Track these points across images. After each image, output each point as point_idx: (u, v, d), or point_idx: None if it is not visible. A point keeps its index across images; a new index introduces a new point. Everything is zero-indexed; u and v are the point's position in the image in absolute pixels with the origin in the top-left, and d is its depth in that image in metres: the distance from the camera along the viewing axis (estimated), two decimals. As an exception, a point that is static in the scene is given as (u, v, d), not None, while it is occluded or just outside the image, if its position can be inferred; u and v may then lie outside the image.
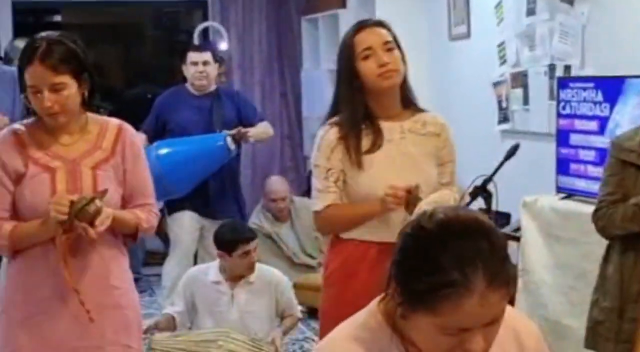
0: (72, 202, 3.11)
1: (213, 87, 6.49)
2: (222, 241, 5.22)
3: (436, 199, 3.36)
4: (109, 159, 3.33)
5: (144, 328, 4.90)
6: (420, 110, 3.67)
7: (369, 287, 3.49)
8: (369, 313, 1.97)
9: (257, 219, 7.41)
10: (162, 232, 8.31)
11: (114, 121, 3.43)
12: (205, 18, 9.09)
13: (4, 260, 3.48)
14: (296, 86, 9.03)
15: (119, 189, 3.34)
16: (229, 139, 6.14)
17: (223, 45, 8.53)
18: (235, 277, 5.22)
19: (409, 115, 3.63)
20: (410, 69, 7.46)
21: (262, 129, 6.49)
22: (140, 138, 6.27)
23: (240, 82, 8.87)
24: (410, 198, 3.39)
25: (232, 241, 5.15)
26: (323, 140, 3.59)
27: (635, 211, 3.61)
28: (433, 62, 7.32)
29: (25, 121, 3.37)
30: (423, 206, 3.26)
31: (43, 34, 3.28)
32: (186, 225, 6.37)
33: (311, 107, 8.46)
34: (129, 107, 6.78)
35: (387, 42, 3.53)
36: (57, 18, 10.87)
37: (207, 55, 6.47)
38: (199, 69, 6.38)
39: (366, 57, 3.51)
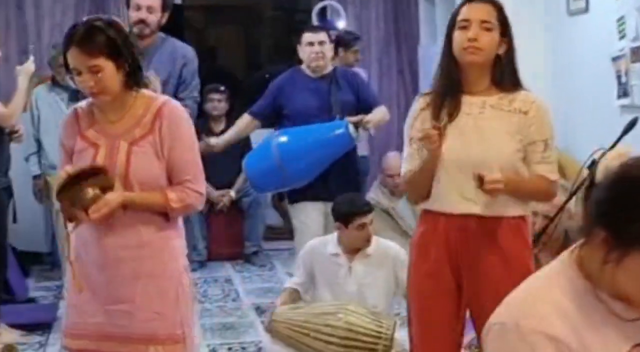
0: (69, 175, 3.31)
1: (329, 69, 6.36)
2: (339, 213, 5.31)
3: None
4: (146, 135, 3.44)
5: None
6: (517, 90, 3.68)
7: (438, 260, 3.66)
8: (564, 264, 2.01)
9: (374, 195, 7.46)
10: (280, 209, 8.48)
11: (161, 98, 3.56)
12: (323, -3, 9.14)
13: None
14: (413, 63, 9.05)
15: (160, 165, 3.44)
16: (351, 127, 6.00)
17: (341, 24, 8.59)
18: (352, 250, 5.29)
19: (498, 92, 3.67)
20: (527, 43, 7.43)
21: (380, 116, 6.30)
22: (244, 119, 6.42)
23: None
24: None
25: (348, 213, 5.23)
26: (411, 110, 3.80)
27: None
28: (551, 37, 7.26)
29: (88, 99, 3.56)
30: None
31: (85, 19, 3.48)
32: (310, 213, 6.24)
33: (428, 84, 8.26)
34: (248, 89, 6.78)
35: (485, 21, 3.58)
36: (178, 0, 11.05)
37: (322, 36, 6.34)
38: (315, 49, 6.27)
39: (461, 28, 3.60)
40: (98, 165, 3.38)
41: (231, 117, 7.78)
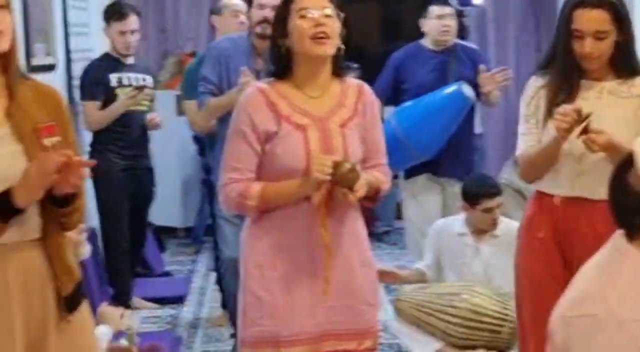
0: (335, 163, 3.17)
1: (452, 43, 6.30)
2: (466, 193, 5.27)
3: None
4: (352, 117, 3.38)
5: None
6: (636, 75, 3.64)
7: (549, 242, 3.59)
8: (625, 251, 2.01)
9: (507, 174, 7.36)
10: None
11: (354, 81, 3.50)
12: (460, -27, 9.04)
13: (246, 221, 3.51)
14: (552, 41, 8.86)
15: (361, 148, 3.40)
16: (465, 87, 5.90)
17: (478, 0, 8.48)
18: (480, 230, 5.24)
19: (616, 77, 3.64)
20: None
21: (499, 93, 6.28)
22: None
23: (494, 37, 8.81)
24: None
25: (476, 194, 5.18)
26: (527, 88, 3.74)
27: None
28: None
29: (267, 80, 3.45)
30: None
31: None
32: (423, 187, 6.19)
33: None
34: (381, 64, 6.72)
35: (599, 32, 3.52)
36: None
37: (449, 9, 6.28)
38: (444, 23, 6.20)
39: (577, 37, 3.53)
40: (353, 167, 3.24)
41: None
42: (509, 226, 5.28)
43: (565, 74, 3.60)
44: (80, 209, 2.93)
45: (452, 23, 6.26)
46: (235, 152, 3.34)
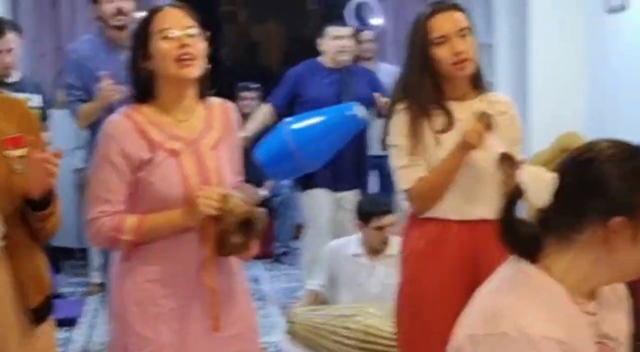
0: (222, 196, 3.03)
1: (349, 63, 6.47)
2: (360, 211, 5.34)
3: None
4: (222, 138, 3.24)
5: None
6: (486, 90, 3.64)
7: (451, 267, 3.51)
8: (531, 273, 2.03)
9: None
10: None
11: (218, 100, 3.35)
12: (359, -7, 9.06)
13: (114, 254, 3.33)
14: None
15: (230, 169, 3.27)
16: (360, 108, 5.95)
17: (377, 21, 8.48)
18: (374, 251, 5.25)
19: (475, 95, 3.61)
20: (564, 42, 7.31)
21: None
22: (263, 109, 6.37)
23: (394, 58, 8.81)
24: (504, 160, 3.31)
25: (368, 212, 5.23)
26: (399, 121, 3.56)
27: None
28: (588, 35, 7.11)
29: (131, 105, 3.22)
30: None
31: None
32: (320, 199, 6.34)
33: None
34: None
35: (462, 29, 3.49)
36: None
37: (348, 30, 6.47)
38: (341, 43, 6.35)
39: (440, 44, 3.47)
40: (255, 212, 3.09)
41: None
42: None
43: (431, 100, 3.52)
44: (57, 213, 2.86)
45: (349, 43, 6.33)
46: (105, 183, 3.11)
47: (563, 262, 2.00)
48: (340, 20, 7.01)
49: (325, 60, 6.45)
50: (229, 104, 3.37)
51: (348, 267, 5.26)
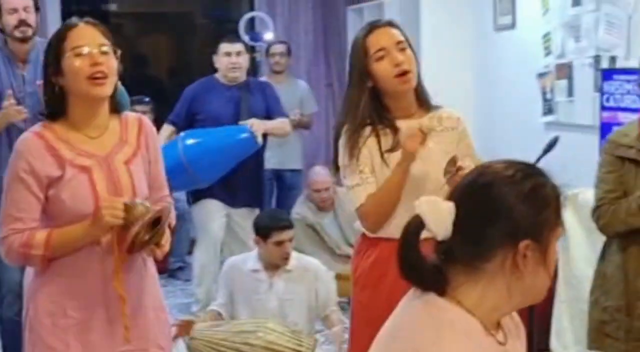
0: (126, 206, 3.02)
1: (244, 78, 6.47)
2: (258, 226, 5.30)
3: None
4: (136, 152, 3.23)
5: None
6: (434, 107, 3.63)
7: (399, 288, 3.51)
8: (440, 306, 1.94)
9: (300, 209, 7.39)
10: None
11: (133, 115, 3.34)
12: (251, 8, 9.09)
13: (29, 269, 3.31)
14: (342, 76, 8.98)
15: (146, 183, 3.26)
16: (252, 132, 6.06)
17: (268, 36, 8.52)
18: (272, 266, 5.25)
19: (424, 113, 3.59)
20: (454, 59, 7.45)
21: (275, 124, 6.35)
22: (167, 130, 6.34)
23: (286, 72, 8.85)
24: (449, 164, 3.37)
25: (267, 227, 5.21)
26: (349, 142, 3.53)
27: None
28: (477, 52, 7.26)
29: (41, 123, 3.20)
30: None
31: None
32: (212, 211, 6.35)
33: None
34: (175, 98, 6.74)
35: (399, 42, 3.51)
36: (110, 7, 10.92)
37: (239, 46, 6.46)
38: (232, 60, 6.35)
39: (380, 58, 3.48)
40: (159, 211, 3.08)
41: (157, 127, 7.66)
42: (302, 261, 5.32)
43: (377, 119, 3.51)
44: None
45: (241, 59, 6.35)
46: (16, 201, 3.09)
47: (474, 293, 1.93)
48: (234, 35, 7.03)
49: (220, 76, 6.45)
50: (145, 119, 3.36)
51: (246, 283, 5.25)
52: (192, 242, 8.44)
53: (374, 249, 3.57)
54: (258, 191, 6.53)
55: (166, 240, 3.12)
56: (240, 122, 6.14)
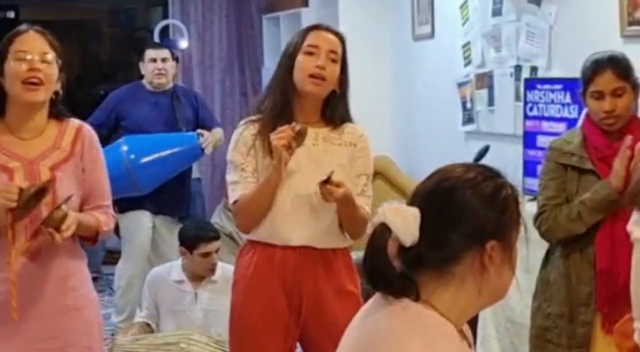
0: (21, 189, 3.08)
1: (170, 85, 6.40)
2: (185, 237, 5.22)
3: None
4: (68, 159, 3.29)
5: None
6: (342, 121, 3.63)
7: (276, 293, 3.54)
8: (412, 310, 1.94)
9: (218, 218, 7.34)
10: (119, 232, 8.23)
11: (75, 122, 3.40)
12: (165, 16, 8.99)
13: None
14: (257, 85, 8.95)
15: (78, 191, 3.29)
16: (201, 139, 6.04)
17: (183, 43, 8.45)
18: (197, 277, 5.18)
19: (328, 125, 3.61)
20: (373, 69, 7.47)
21: (218, 136, 6.38)
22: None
23: (200, 80, 8.79)
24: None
25: (194, 238, 5.14)
26: (240, 137, 3.57)
27: (581, 210, 3.65)
28: (397, 62, 7.30)
29: None
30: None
31: None
32: (140, 222, 6.24)
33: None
34: (82, 105, 6.64)
35: (333, 52, 3.53)
36: (13, 14, 10.74)
37: (165, 53, 6.39)
38: (158, 66, 6.28)
39: (308, 53, 3.51)
40: (46, 182, 3.15)
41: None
42: (226, 271, 5.25)
43: (279, 119, 3.50)
44: None
45: (167, 66, 6.29)
46: None
47: (446, 297, 1.94)
48: (160, 43, 6.96)
49: (146, 83, 6.37)
50: (86, 126, 3.41)
51: (170, 293, 5.18)
52: (107, 253, 8.34)
53: (253, 253, 3.61)
54: (186, 201, 6.46)
55: (67, 226, 3.11)
56: (200, 131, 6.12)
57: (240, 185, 3.53)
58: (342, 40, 3.60)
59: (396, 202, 1.98)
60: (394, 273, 1.94)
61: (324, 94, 3.56)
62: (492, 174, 2.01)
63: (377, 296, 2.02)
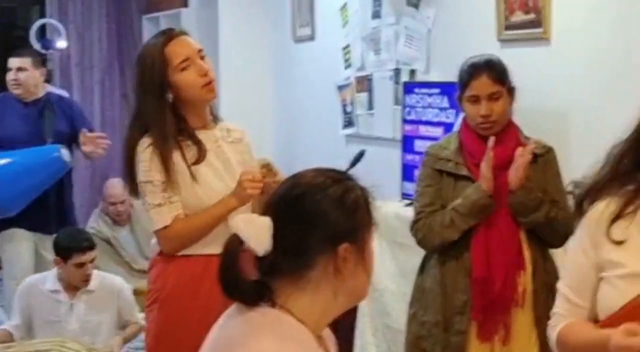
0: None
1: (42, 94, 6.08)
2: (58, 246, 5.07)
3: None
4: None
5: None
6: (219, 119, 3.62)
7: (212, 303, 3.40)
8: (272, 319, 1.94)
9: (95, 223, 7.19)
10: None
11: None
12: (42, 14, 8.77)
13: None
14: (137, 86, 8.81)
15: None
16: (64, 151, 5.71)
17: (61, 43, 8.23)
18: (73, 287, 5.04)
19: (214, 124, 3.57)
20: (254, 71, 7.41)
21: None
22: None
23: (79, 81, 8.61)
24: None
25: (67, 248, 4.99)
26: (148, 157, 3.40)
27: (453, 216, 3.64)
28: (277, 64, 7.24)
29: None
30: None
31: None
32: (20, 241, 5.96)
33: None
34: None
35: (200, 50, 3.48)
36: None
37: (21, 62, 6.01)
38: (12, 77, 5.97)
39: (185, 68, 3.41)
40: None
41: None
42: (104, 281, 5.15)
43: (172, 135, 3.40)
44: None
45: (22, 76, 5.98)
46: None
47: (303, 302, 1.95)
48: (23, 49, 6.64)
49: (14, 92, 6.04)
50: None
51: (45, 303, 5.04)
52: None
53: (185, 266, 3.44)
54: (69, 214, 6.15)
55: None
56: (84, 130, 5.84)
57: (165, 207, 3.39)
58: (186, 33, 3.54)
59: (248, 212, 1.97)
60: (248, 283, 1.97)
61: (213, 95, 3.50)
62: (342, 177, 2.02)
63: (233, 306, 2.04)
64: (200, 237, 3.40)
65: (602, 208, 2.40)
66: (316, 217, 1.95)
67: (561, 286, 2.51)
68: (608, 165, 2.45)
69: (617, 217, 2.37)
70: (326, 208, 1.96)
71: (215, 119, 3.60)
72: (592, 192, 2.46)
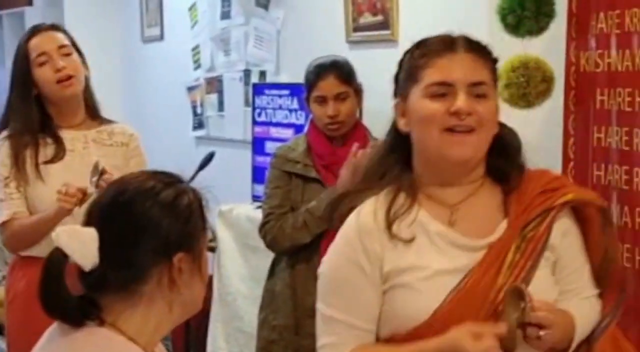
0: None
1: None
2: None
3: None
4: None
5: None
6: (110, 122, 3.58)
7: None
8: (100, 340, 1.80)
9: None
10: None
11: None
12: None
13: None
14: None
15: None
16: None
17: None
18: None
19: (95, 125, 3.53)
20: (102, 71, 7.24)
21: None
22: None
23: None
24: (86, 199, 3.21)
25: None
26: (0, 153, 3.39)
27: (306, 218, 3.61)
28: (126, 64, 7.11)
29: None
30: None
31: None
32: None
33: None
34: None
35: (62, 46, 3.43)
36: None
37: None
38: None
39: (42, 63, 3.38)
40: None
41: None
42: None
43: (32, 131, 3.37)
44: None
45: None
46: None
47: (135, 319, 1.82)
48: None
49: None
50: None
51: None
52: None
53: (27, 268, 3.37)
54: None
55: None
56: None
57: (5, 203, 3.35)
58: (61, 29, 3.51)
59: (71, 224, 1.83)
60: (72, 302, 1.80)
61: (79, 92, 3.46)
62: (173, 181, 1.88)
63: (57, 323, 1.87)
64: (38, 239, 3.31)
65: (368, 218, 2.16)
66: (147, 226, 1.81)
67: (331, 312, 2.17)
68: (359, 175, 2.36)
69: (393, 219, 2.14)
70: (158, 215, 1.81)
71: (99, 120, 3.55)
72: (345, 201, 2.26)
